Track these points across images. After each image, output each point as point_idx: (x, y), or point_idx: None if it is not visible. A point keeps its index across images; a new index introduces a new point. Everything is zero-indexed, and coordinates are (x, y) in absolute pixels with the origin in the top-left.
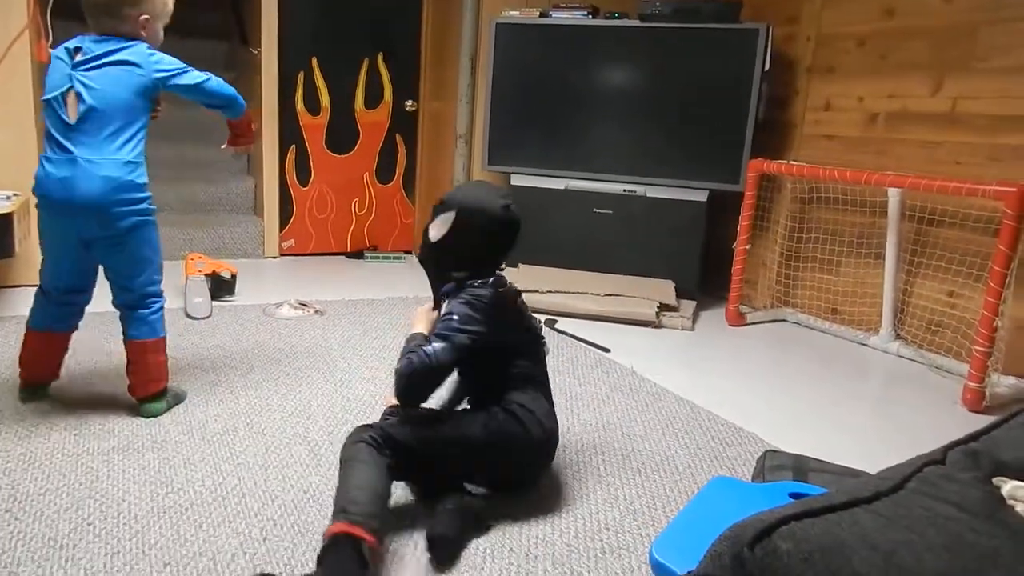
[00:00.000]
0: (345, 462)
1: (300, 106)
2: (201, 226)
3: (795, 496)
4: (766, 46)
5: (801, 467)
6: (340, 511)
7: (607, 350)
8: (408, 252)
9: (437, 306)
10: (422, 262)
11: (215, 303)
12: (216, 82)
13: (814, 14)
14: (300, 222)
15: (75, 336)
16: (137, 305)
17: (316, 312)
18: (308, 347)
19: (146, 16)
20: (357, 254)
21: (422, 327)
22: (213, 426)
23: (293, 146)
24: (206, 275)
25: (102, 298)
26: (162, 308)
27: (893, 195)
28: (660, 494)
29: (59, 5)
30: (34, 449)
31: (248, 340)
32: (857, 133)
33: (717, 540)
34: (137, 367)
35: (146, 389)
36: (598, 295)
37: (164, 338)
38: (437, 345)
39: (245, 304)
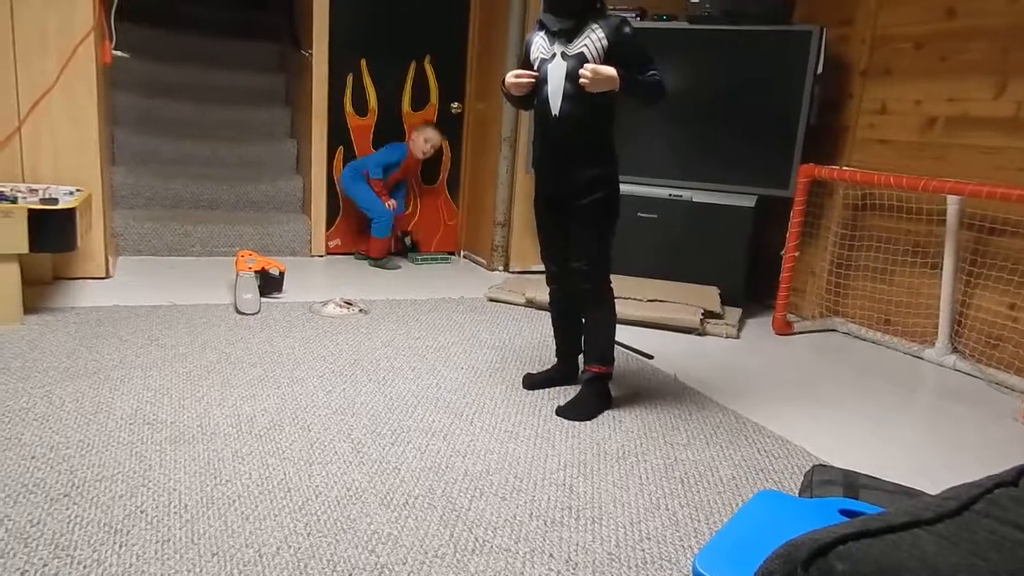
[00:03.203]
0: None
1: (348, 107)
2: (252, 223)
3: (846, 513)
4: (819, 48)
5: (852, 483)
6: None
7: (650, 356)
8: (452, 253)
9: (562, 38)
10: (563, 2)
11: (263, 299)
12: None
13: (869, 15)
14: (346, 221)
15: (132, 326)
16: None
17: (361, 311)
18: (352, 345)
19: None
20: (400, 253)
21: (609, 71)
22: (261, 420)
23: (341, 147)
24: (255, 272)
25: (154, 291)
26: None
27: (952, 203)
28: (703, 505)
29: (122, 8)
30: (92, 437)
31: (295, 337)
32: (914, 138)
33: (769, 558)
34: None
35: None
36: (641, 300)
37: None
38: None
39: (292, 301)
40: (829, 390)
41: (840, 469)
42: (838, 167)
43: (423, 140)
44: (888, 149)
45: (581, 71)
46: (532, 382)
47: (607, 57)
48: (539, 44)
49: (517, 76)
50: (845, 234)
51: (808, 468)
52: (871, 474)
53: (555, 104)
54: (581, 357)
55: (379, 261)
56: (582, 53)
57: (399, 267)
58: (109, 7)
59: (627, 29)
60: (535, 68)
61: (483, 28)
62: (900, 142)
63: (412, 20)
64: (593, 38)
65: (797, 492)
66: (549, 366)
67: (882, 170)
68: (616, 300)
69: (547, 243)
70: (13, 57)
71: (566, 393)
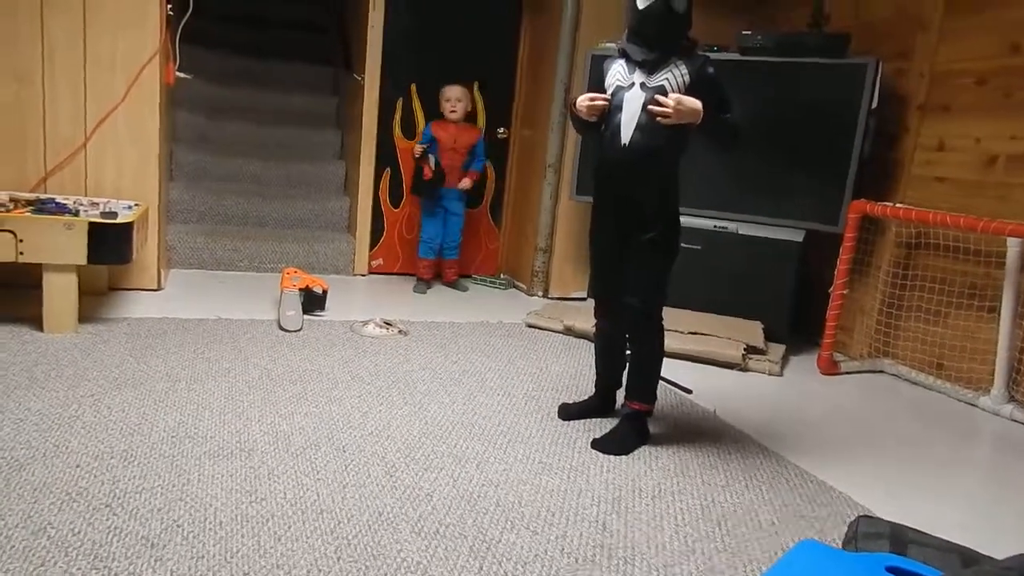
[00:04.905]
0: None
1: (397, 130)
2: (298, 241)
3: (893, 571)
4: (875, 82)
5: (900, 537)
6: None
7: (689, 391)
8: (492, 277)
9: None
10: (654, 31)
11: (306, 317)
12: None
13: (928, 49)
14: (389, 242)
15: (179, 339)
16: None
17: (400, 332)
18: (390, 367)
19: None
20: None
21: (695, 104)
22: (297, 439)
23: (388, 168)
24: (300, 289)
25: (202, 304)
26: None
27: (1012, 245)
28: (741, 551)
29: (185, 31)
30: (135, 447)
31: (334, 356)
32: (973, 176)
33: None
34: None
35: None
36: (682, 333)
37: None
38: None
39: (334, 320)
40: (876, 435)
41: (887, 521)
42: (892, 204)
43: (443, 100)
44: (945, 187)
45: (665, 99)
46: (568, 413)
47: (689, 93)
48: (617, 71)
49: (592, 99)
50: (897, 273)
51: (853, 518)
52: (919, 528)
53: (626, 133)
54: (620, 392)
55: (418, 284)
56: (663, 86)
57: (423, 292)
58: (175, 31)
59: (711, 69)
60: (609, 94)
61: (532, 56)
62: (958, 180)
63: (462, 47)
64: (676, 73)
65: (840, 543)
66: (586, 396)
67: (938, 208)
68: None
69: (601, 276)
70: (84, 76)
71: (602, 426)
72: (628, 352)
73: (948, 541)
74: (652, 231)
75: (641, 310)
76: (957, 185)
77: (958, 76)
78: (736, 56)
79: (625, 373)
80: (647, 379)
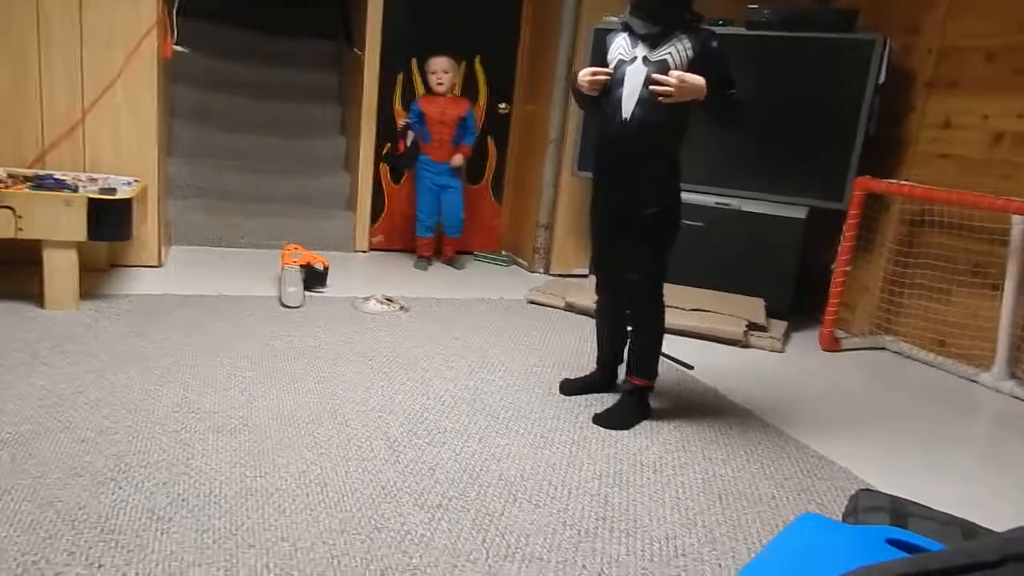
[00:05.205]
0: None
1: (397, 106)
2: (299, 217)
3: (894, 543)
4: (882, 58)
5: (900, 511)
6: None
7: (690, 367)
8: (494, 254)
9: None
10: (657, 4)
11: (307, 293)
12: None
13: (937, 25)
14: (390, 218)
15: (181, 315)
16: None
17: (401, 308)
18: (392, 343)
19: None
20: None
21: (697, 80)
22: (300, 414)
23: (388, 144)
24: (301, 266)
25: (203, 281)
26: None
27: (1017, 222)
28: (742, 524)
29: (183, 5)
30: (139, 423)
31: (336, 332)
32: (979, 154)
33: None
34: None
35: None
36: (683, 309)
37: None
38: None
39: (335, 296)
40: (877, 411)
41: (887, 495)
42: (897, 181)
43: (430, 73)
44: (950, 164)
45: (667, 77)
46: (570, 388)
47: (691, 69)
48: (620, 45)
49: (594, 73)
50: (900, 250)
51: (853, 492)
52: (920, 502)
53: (627, 108)
54: (621, 368)
55: (419, 261)
56: (665, 61)
57: (424, 269)
58: (172, 3)
59: (714, 43)
60: (611, 68)
61: (534, 30)
62: (964, 158)
63: (463, 21)
64: (679, 47)
65: (840, 516)
66: (587, 372)
67: (943, 186)
68: None
69: (601, 253)
70: (80, 51)
71: (603, 401)
72: (629, 328)
73: (949, 514)
74: (652, 207)
75: (641, 286)
76: (963, 162)
77: (967, 52)
78: (742, 31)
79: (626, 349)
80: (648, 354)
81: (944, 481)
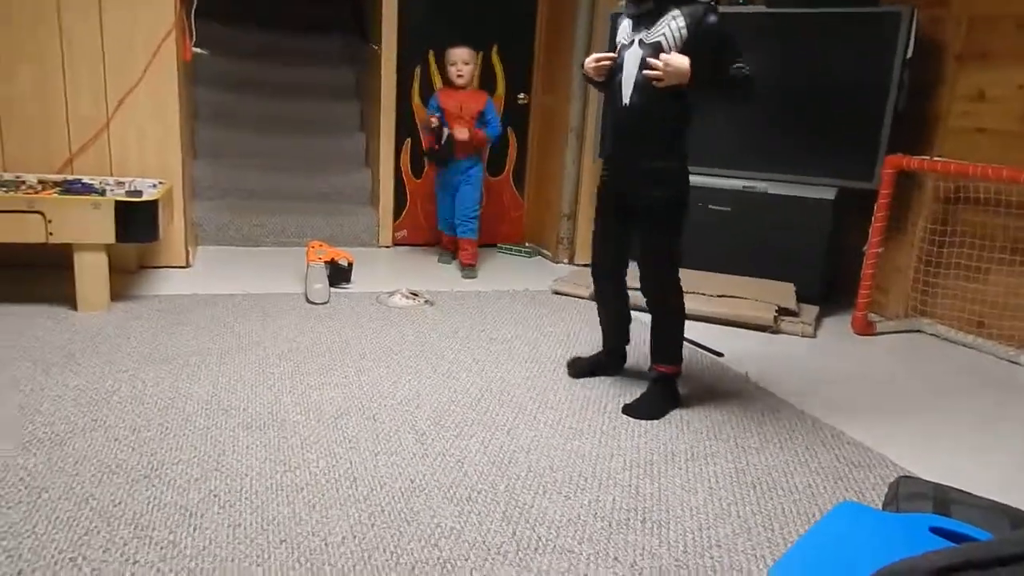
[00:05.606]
0: None
1: (416, 100)
2: (322, 215)
3: (937, 532)
4: (909, 31)
5: (943, 498)
6: None
7: (720, 354)
8: (517, 245)
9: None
10: None
11: (332, 289)
12: None
13: None
14: (412, 213)
15: (209, 314)
16: None
17: (426, 302)
18: (418, 336)
19: None
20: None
21: (681, 63)
22: (328, 409)
23: (408, 139)
24: (325, 262)
25: (230, 280)
26: None
27: None
28: (777, 514)
29: (201, 6)
30: (170, 421)
31: (362, 327)
32: (1016, 127)
33: None
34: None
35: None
36: (711, 296)
37: None
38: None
39: (360, 292)
40: (915, 395)
41: (929, 482)
42: (928, 157)
43: (449, 64)
44: (985, 138)
45: (656, 61)
46: (578, 369)
47: (686, 47)
48: (624, 28)
49: (597, 60)
50: (935, 229)
51: (893, 479)
52: (962, 489)
53: (626, 93)
54: (630, 348)
55: (443, 255)
56: (659, 42)
57: (448, 263)
58: (189, 6)
59: (711, 18)
60: (616, 52)
61: (551, 19)
62: (999, 131)
63: (479, 11)
64: (673, 26)
65: (880, 505)
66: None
67: (978, 161)
68: (685, 295)
69: (603, 236)
70: (102, 56)
71: (632, 390)
72: (650, 314)
73: (994, 501)
74: (657, 192)
75: (655, 271)
76: (998, 136)
77: (997, 21)
78: (763, 8)
79: (649, 336)
80: (671, 340)
81: (988, 466)
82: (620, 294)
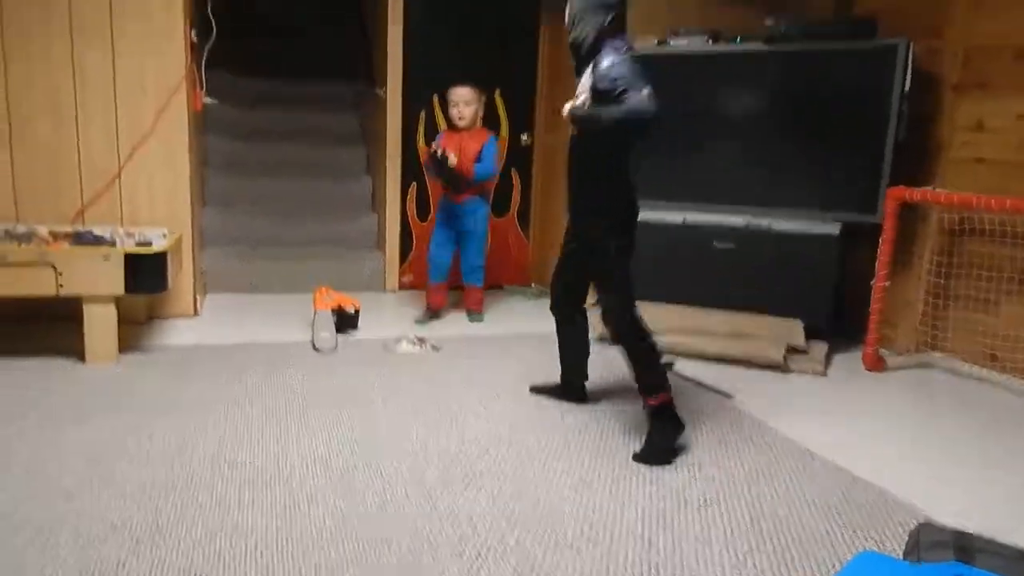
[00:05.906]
0: None
1: (421, 143)
2: (329, 259)
3: None
4: (907, 63)
5: (965, 546)
6: None
7: (730, 396)
8: (524, 286)
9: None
10: (570, 44)
11: (340, 336)
12: None
13: (961, 25)
14: (419, 257)
15: (216, 365)
16: None
17: (433, 348)
18: (424, 384)
19: None
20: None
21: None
22: (335, 463)
23: (414, 182)
24: (332, 309)
25: (238, 329)
26: None
27: None
28: (794, 565)
29: (209, 56)
30: (176, 475)
31: (369, 375)
32: (1016, 156)
33: None
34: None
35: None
36: (719, 335)
37: None
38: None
39: (367, 338)
40: (931, 434)
41: (951, 529)
42: (931, 188)
43: (451, 106)
44: (986, 169)
45: (562, 110)
46: (538, 390)
47: (592, 93)
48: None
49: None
50: (941, 261)
51: (913, 527)
52: (985, 536)
53: (571, 133)
54: (589, 377)
55: (423, 313)
56: (579, 91)
57: (423, 323)
58: (200, 56)
59: (604, 63)
60: None
61: (551, 61)
62: (1000, 160)
63: (481, 55)
64: (585, 75)
65: (901, 554)
66: (620, 400)
67: (980, 191)
68: (692, 335)
69: (557, 269)
70: (115, 106)
71: (640, 428)
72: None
73: (1019, 548)
74: (592, 228)
75: (605, 308)
76: (999, 166)
77: (994, 52)
78: (761, 47)
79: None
80: (644, 371)
81: (1011, 510)
82: (573, 330)
